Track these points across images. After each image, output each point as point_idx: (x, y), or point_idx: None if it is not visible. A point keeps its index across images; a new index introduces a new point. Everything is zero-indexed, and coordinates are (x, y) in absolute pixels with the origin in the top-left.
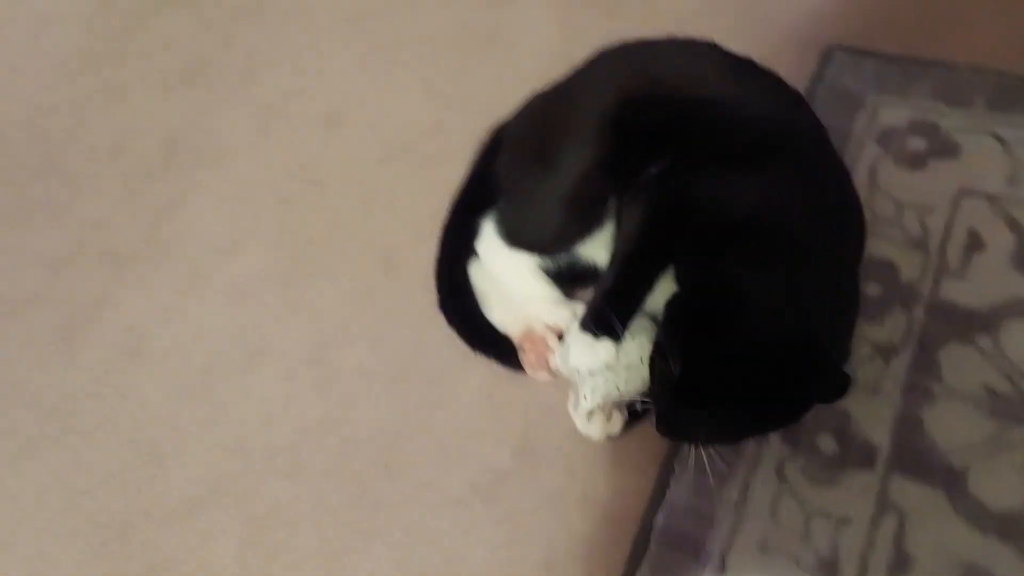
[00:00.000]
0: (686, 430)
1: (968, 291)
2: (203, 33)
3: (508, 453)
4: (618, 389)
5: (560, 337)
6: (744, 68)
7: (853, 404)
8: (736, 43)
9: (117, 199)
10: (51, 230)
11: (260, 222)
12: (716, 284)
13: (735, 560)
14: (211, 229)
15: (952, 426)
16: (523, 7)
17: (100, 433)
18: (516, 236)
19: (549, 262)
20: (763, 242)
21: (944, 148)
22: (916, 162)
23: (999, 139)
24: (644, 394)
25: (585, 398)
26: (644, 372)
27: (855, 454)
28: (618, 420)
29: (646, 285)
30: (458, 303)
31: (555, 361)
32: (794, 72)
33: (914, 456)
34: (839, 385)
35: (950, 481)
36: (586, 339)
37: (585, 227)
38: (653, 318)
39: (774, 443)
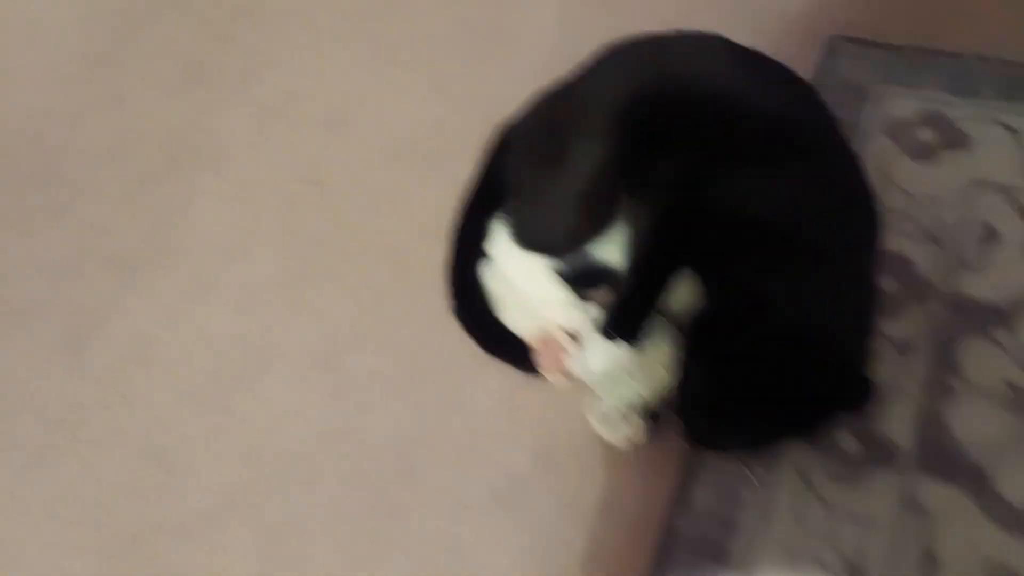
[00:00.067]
0: (714, 441)
1: (984, 284)
2: (202, 35)
3: (527, 458)
4: (638, 393)
5: (575, 339)
6: (755, 61)
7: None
8: (737, 35)
9: (119, 204)
10: (53, 236)
11: (265, 225)
12: (738, 296)
13: (760, 564)
14: (216, 233)
15: (974, 423)
16: (524, 4)
17: (109, 443)
18: (528, 238)
19: (562, 263)
20: (781, 244)
21: (954, 139)
22: (926, 154)
23: (1009, 128)
24: (665, 398)
25: (605, 403)
26: (664, 375)
27: (877, 453)
28: (639, 425)
29: (663, 287)
30: (471, 306)
31: (571, 364)
32: (797, 63)
33: (937, 454)
34: (862, 393)
35: (975, 480)
36: (604, 343)
37: (597, 227)
38: (673, 320)
39: (795, 445)
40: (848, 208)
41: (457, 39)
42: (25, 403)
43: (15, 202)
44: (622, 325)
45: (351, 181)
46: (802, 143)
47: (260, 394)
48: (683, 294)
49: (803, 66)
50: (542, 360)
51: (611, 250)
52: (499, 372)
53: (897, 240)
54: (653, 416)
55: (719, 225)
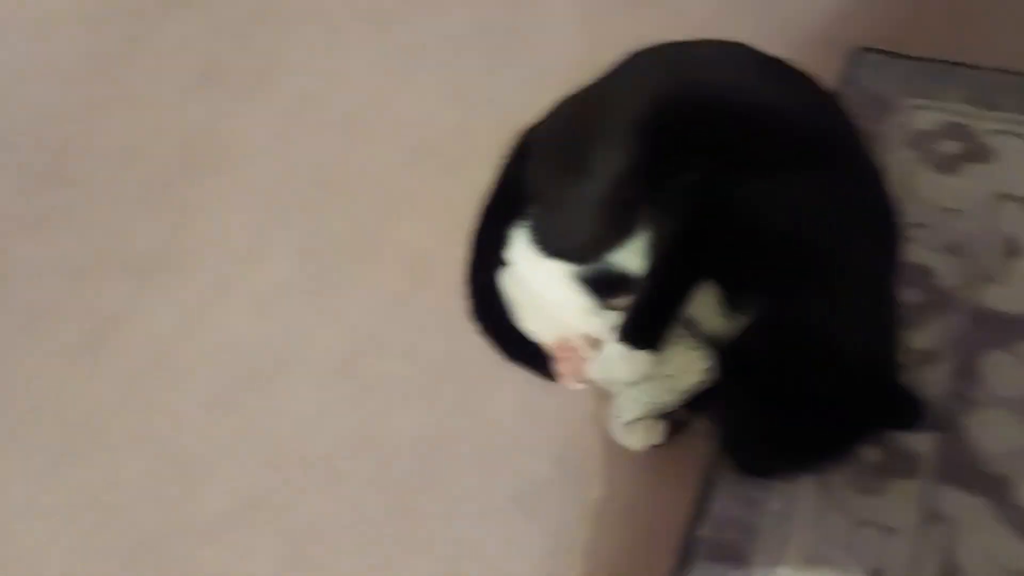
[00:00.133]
0: (763, 469)
1: (1008, 297)
2: (217, 35)
3: (548, 463)
4: (658, 399)
5: (595, 346)
6: (780, 70)
7: None
8: (761, 43)
9: (135, 206)
10: (68, 240)
11: (283, 228)
12: (769, 315)
13: (780, 572)
14: (233, 236)
15: (995, 434)
16: (546, 8)
17: (129, 447)
18: (548, 244)
19: (582, 270)
20: (804, 257)
21: (977, 152)
22: (950, 166)
23: None
24: (685, 403)
25: (626, 410)
26: (685, 381)
27: (899, 463)
28: (659, 429)
29: (684, 295)
30: (490, 311)
31: (591, 371)
32: (820, 73)
33: (959, 464)
34: (913, 413)
35: (996, 490)
36: (624, 351)
37: (619, 234)
38: (693, 328)
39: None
40: (870, 221)
41: (477, 42)
42: (43, 407)
43: (30, 203)
44: (641, 333)
45: (369, 184)
46: (826, 154)
47: (280, 398)
48: (704, 301)
49: (826, 76)
50: (561, 366)
51: (632, 257)
52: (519, 377)
53: (919, 252)
54: (673, 421)
55: (741, 235)
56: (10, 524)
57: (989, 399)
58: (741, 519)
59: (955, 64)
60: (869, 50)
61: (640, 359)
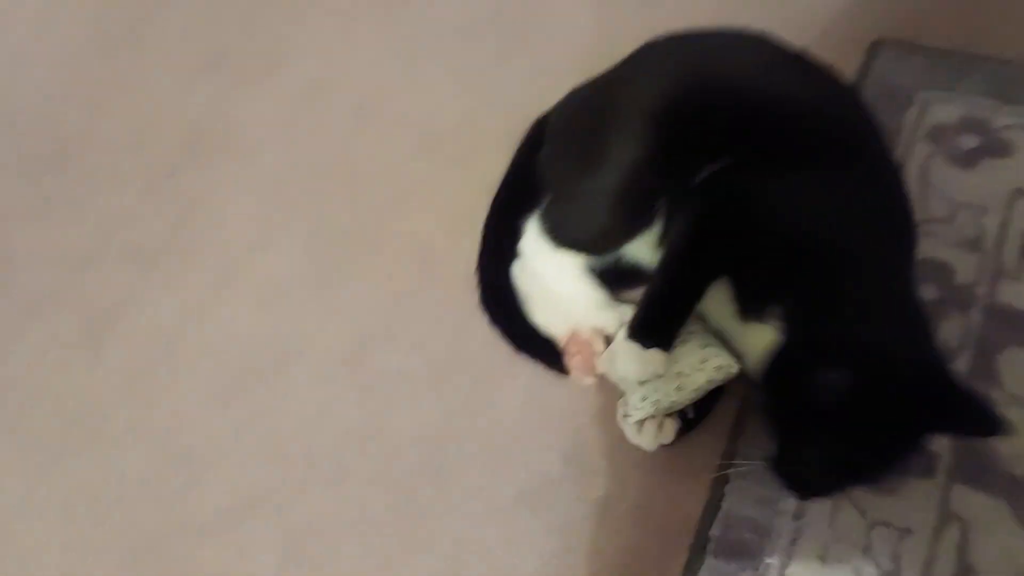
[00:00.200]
0: (822, 488)
1: None
2: (224, 19)
3: (557, 459)
4: (670, 397)
5: (607, 340)
6: (801, 64)
7: None
8: (779, 34)
9: (140, 193)
10: (70, 226)
11: (290, 218)
12: (804, 327)
13: (794, 572)
14: (239, 225)
15: (1012, 434)
16: None
17: (130, 440)
18: (561, 235)
19: (595, 262)
20: (824, 256)
21: (997, 146)
22: (969, 160)
23: None
24: (696, 401)
25: (635, 408)
26: (696, 380)
27: (915, 462)
28: (670, 428)
29: (697, 293)
30: (501, 303)
31: (602, 366)
32: (839, 65)
33: (975, 464)
34: (992, 420)
35: (1012, 490)
36: (635, 349)
37: (633, 226)
38: (706, 325)
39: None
40: (890, 220)
41: (488, 31)
42: (44, 398)
43: (32, 189)
44: (652, 331)
45: (378, 173)
46: (846, 151)
47: (283, 393)
48: (717, 298)
49: (845, 68)
50: (572, 361)
51: (646, 250)
52: (528, 371)
53: (937, 247)
54: (684, 420)
55: (758, 233)
56: (6, 520)
57: (1006, 398)
58: (753, 518)
59: (974, 57)
60: (887, 42)
61: (650, 357)
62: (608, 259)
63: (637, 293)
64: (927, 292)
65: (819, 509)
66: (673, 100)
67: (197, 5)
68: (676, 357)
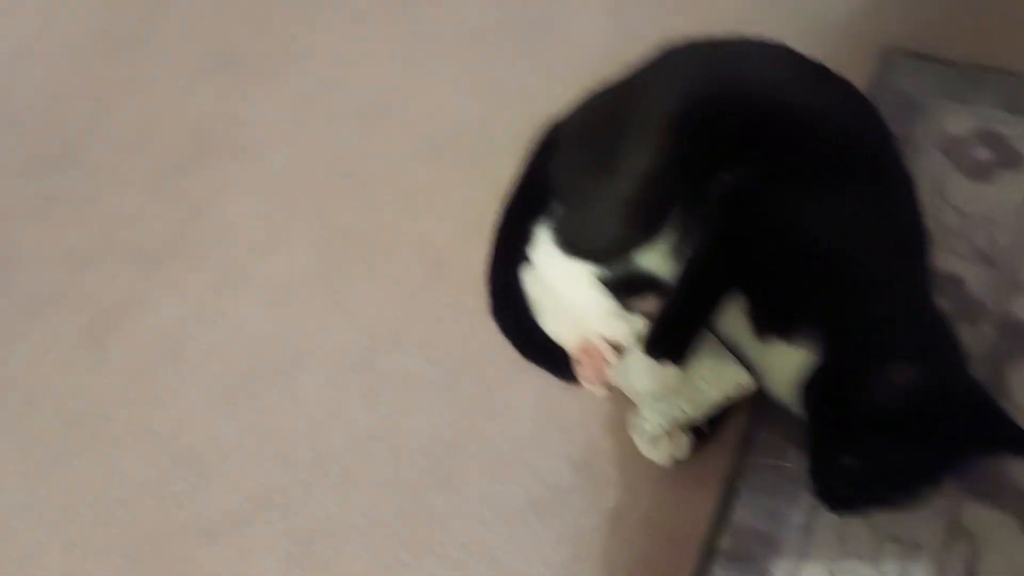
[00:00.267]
0: (864, 505)
1: None
2: (233, 17)
3: (566, 468)
4: (684, 412)
5: (618, 350)
6: (819, 74)
7: None
8: (792, 41)
9: (146, 192)
10: (74, 225)
11: (299, 219)
12: (857, 340)
13: None
14: (247, 226)
15: None
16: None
17: (134, 441)
18: (573, 243)
19: (607, 271)
20: (841, 269)
21: (1010, 159)
22: (982, 173)
23: None
24: (708, 414)
25: (649, 423)
26: (711, 395)
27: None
28: (684, 442)
29: (713, 306)
30: (511, 310)
31: (612, 376)
32: (852, 74)
33: (984, 479)
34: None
35: (1021, 505)
36: (649, 363)
37: (646, 235)
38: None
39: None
40: (906, 234)
41: (503, 32)
42: (45, 398)
43: (36, 187)
44: (667, 343)
45: (388, 176)
46: (864, 165)
47: (292, 393)
48: (733, 312)
49: (858, 77)
50: (582, 370)
51: (658, 259)
52: (538, 378)
53: (950, 260)
54: (696, 433)
55: (782, 248)
56: (6, 520)
57: (1018, 413)
58: (762, 531)
59: (988, 68)
60: (901, 52)
61: (665, 371)
62: (620, 268)
63: (649, 303)
64: (939, 305)
65: (828, 523)
66: (690, 108)
67: (204, 4)
68: (692, 372)
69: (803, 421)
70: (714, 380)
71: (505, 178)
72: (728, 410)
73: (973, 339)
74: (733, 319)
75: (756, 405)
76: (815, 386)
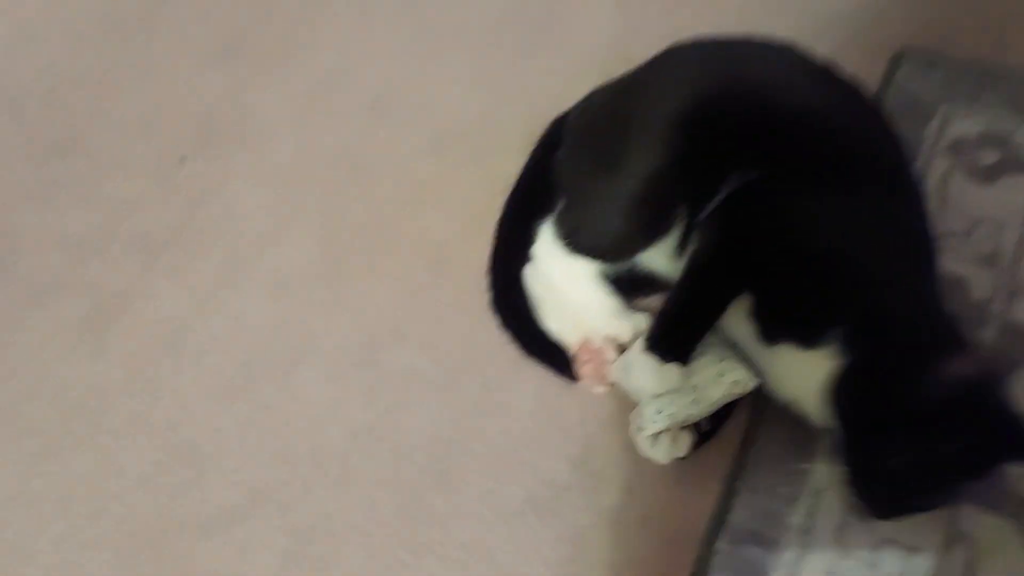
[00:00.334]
0: (910, 507)
1: None
2: (240, 4)
3: (566, 466)
4: (685, 411)
5: (620, 349)
6: (829, 77)
7: None
8: (802, 41)
9: (149, 180)
10: (76, 212)
11: (302, 211)
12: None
13: None
14: (250, 216)
15: None
16: None
17: (131, 433)
18: (576, 241)
19: (609, 269)
20: (851, 275)
21: (1017, 162)
22: (988, 175)
23: None
24: (710, 415)
25: (650, 421)
26: (712, 394)
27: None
28: (685, 441)
29: (719, 308)
30: (512, 306)
31: (614, 375)
32: (861, 75)
33: (984, 484)
34: None
35: (1021, 511)
36: (652, 362)
37: (650, 234)
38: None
39: (841, 468)
40: (916, 238)
41: (509, 26)
42: (42, 387)
43: (38, 172)
44: (669, 344)
45: (393, 168)
46: (870, 167)
47: (292, 387)
48: (738, 313)
49: (867, 77)
50: (583, 369)
51: (662, 258)
52: (539, 376)
53: (954, 262)
54: (698, 433)
55: (784, 246)
56: None
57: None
58: (760, 532)
59: (997, 70)
60: (910, 52)
61: (667, 370)
62: (623, 266)
63: (651, 301)
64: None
65: (826, 525)
66: (696, 107)
67: None
68: (693, 370)
69: (820, 426)
70: (715, 378)
71: (509, 174)
72: (728, 408)
73: (976, 342)
74: (736, 321)
75: (757, 404)
76: (848, 390)
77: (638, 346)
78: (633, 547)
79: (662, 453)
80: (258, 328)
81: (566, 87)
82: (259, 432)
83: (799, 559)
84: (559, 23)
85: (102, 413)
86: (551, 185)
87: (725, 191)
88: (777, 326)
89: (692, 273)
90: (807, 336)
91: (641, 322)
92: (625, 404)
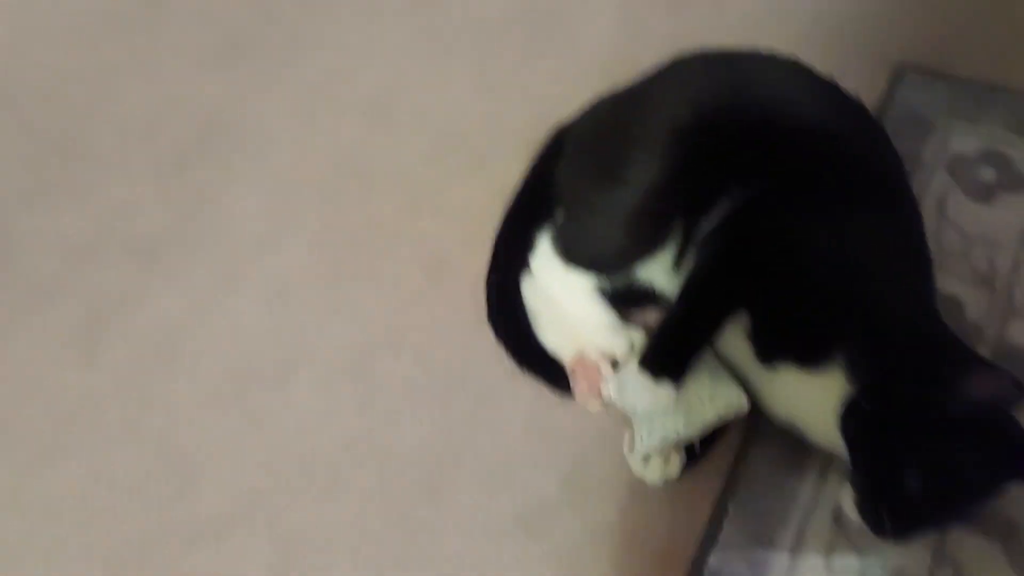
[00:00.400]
0: (925, 529)
1: None
2: (241, 6)
3: (556, 482)
4: (678, 431)
5: (615, 365)
6: (831, 93)
7: None
8: (804, 52)
9: (147, 183)
10: (72, 215)
11: (300, 216)
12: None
13: None
14: (248, 221)
15: None
16: (586, 0)
17: (122, 441)
18: (572, 252)
19: (607, 283)
20: (852, 294)
21: (1015, 181)
22: (986, 194)
23: None
24: (703, 435)
25: (642, 441)
26: (705, 414)
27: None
28: (676, 462)
29: (715, 326)
30: (508, 318)
31: (607, 391)
32: (862, 88)
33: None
34: None
35: (1008, 533)
36: (645, 380)
37: (647, 246)
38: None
39: (831, 488)
40: (912, 259)
41: (513, 31)
42: (34, 394)
43: (34, 173)
44: (664, 363)
45: (392, 175)
46: (871, 186)
47: (285, 397)
48: (734, 332)
49: (869, 92)
50: (577, 383)
51: (660, 273)
52: (533, 390)
53: (950, 281)
54: (689, 452)
55: (785, 265)
56: None
57: None
58: (751, 552)
59: (998, 87)
60: (915, 68)
61: (661, 391)
62: (620, 281)
63: (649, 316)
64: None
65: (815, 546)
66: (698, 121)
67: None
68: (687, 390)
69: (822, 448)
70: (709, 399)
71: (509, 180)
72: (721, 429)
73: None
74: (733, 340)
75: (748, 423)
76: (859, 414)
77: (632, 363)
78: (622, 566)
79: (654, 474)
80: (253, 336)
81: (569, 92)
82: (250, 441)
83: None
84: (562, 27)
85: (93, 421)
86: (551, 196)
87: (725, 207)
88: (776, 347)
89: (688, 290)
90: (809, 358)
91: (637, 338)
92: (617, 422)
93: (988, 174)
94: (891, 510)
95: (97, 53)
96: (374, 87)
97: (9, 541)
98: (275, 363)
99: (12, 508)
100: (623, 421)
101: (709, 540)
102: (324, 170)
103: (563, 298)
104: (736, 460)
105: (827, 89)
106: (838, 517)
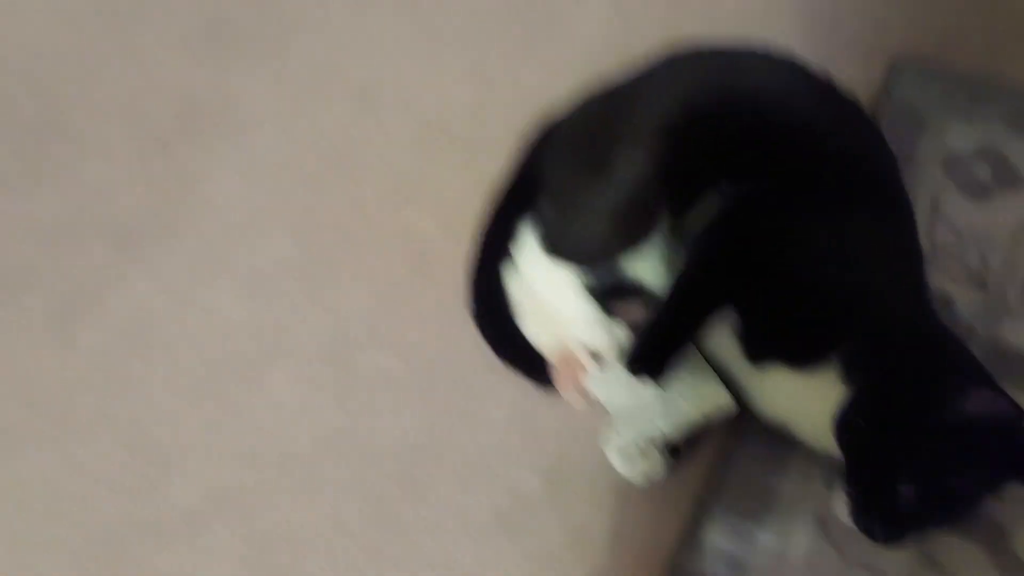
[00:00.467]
0: (918, 533)
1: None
2: None
3: (536, 479)
4: (659, 427)
5: (597, 360)
6: (825, 91)
7: None
8: (799, 46)
9: (127, 167)
10: (50, 199)
11: (283, 204)
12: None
13: None
14: (230, 208)
15: None
16: None
17: (95, 430)
18: (556, 245)
19: (591, 277)
20: (844, 295)
21: (1008, 178)
22: (979, 192)
23: None
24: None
25: (625, 440)
26: (690, 415)
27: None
28: (658, 461)
29: (697, 322)
30: (491, 311)
31: (590, 386)
32: (857, 83)
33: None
34: None
35: (992, 537)
36: (627, 377)
37: (631, 240)
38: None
39: (815, 489)
40: (905, 259)
41: (504, 20)
42: (5, 381)
43: (10, 154)
44: (649, 360)
45: (377, 164)
46: (864, 185)
47: (263, 388)
48: (719, 333)
49: (864, 87)
50: (560, 377)
51: (647, 269)
52: (515, 384)
53: (941, 279)
54: (673, 452)
55: (777, 264)
56: None
57: None
58: (732, 553)
59: (995, 83)
60: (911, 63)
61: (644, 388)
62: (604, 275)
63: (632, 311)
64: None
65: (797, 547)
66: (688, 116)
67: None
68: (672, 389)
69: (814, 450)
70: (694, 399)
71: (495, 172)
72: (705, 429)
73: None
74: (721, 339)
75: (731, 422)
76: (857, 418)
77: (616, 360)
78: (602, 564)
79: (635, 473)
80: (231, 325)
81: (559, 83)
82: (226, 433)
83: None
84: (553, 19)
85: (64, 408)
86: (538, 188)
87: (716, 204)
88: (767, 346)
89: (677, 288)
90: (803, 358)
91: (622, 334)
92: (600, 419)
93: (984, 171)
94: (884, 517)
95: (80, 34)
96: (361, 74)
97: None
98: (253, 353)
99: None
100: (606, 418)
101: (688, 542)
102: (308, 157)
103: (547, 292)
104: (719, 459)
105: (820, 85)
106: (822, 518)
